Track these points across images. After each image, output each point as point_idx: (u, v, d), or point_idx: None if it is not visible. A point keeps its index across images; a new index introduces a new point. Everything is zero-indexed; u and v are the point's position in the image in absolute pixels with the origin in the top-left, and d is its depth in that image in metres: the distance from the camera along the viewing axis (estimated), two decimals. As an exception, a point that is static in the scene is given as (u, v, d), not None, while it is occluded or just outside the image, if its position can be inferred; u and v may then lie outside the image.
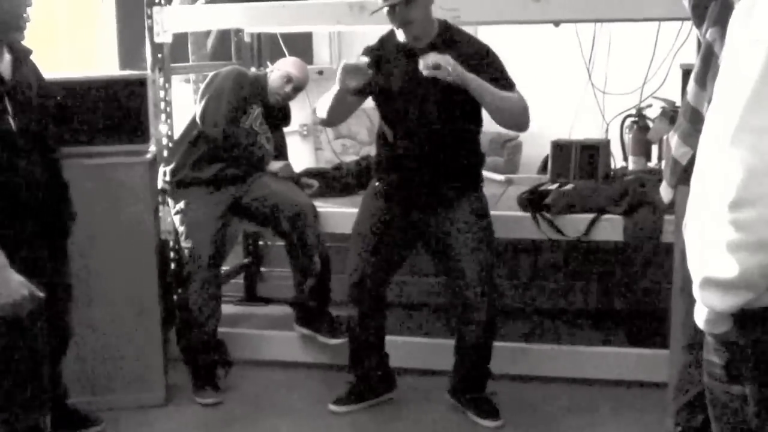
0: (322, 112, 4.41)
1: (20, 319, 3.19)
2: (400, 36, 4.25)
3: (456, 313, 4.54)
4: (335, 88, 4.24)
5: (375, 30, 4.91)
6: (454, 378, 4.61)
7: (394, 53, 4.31)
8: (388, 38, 4.35)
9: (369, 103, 4.51)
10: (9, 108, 3.85)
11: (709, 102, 3.32)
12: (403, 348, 4.94)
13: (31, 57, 4.05)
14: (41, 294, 3.18)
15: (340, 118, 4.62)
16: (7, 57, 3.93)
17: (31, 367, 3.45)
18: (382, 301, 4.62)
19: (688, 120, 3.60)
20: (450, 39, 4.25)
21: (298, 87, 5.16)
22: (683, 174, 3.47)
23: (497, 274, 4.59)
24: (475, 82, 4.10)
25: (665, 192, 3.81)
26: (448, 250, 4.38)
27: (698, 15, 3.68)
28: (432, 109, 4.23)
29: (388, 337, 4.72)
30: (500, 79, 4.21)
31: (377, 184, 4.49)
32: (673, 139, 3.70)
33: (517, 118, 4.27)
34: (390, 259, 4.52)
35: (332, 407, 4.65)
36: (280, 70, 5.15)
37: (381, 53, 4.34)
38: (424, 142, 4.27)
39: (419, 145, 4.28)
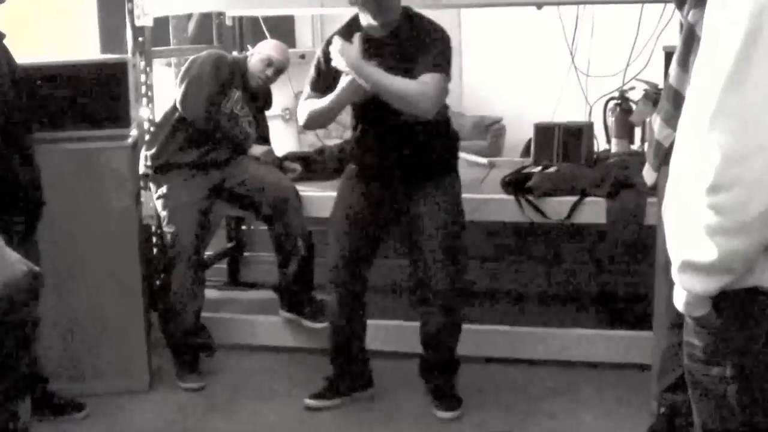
0: (313, 121, 4.42)
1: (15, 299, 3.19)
2: (364, 21, 4.20)
3: (418, 297, 4.49)
4: (330, 98, 4.20)
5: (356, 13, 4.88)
6: (420, 362, 4.58)
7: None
8: (353, 23, 4.29)
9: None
10: None
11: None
12: (382, 331, 4.93)
13: (4, 41, 4.02)
14: (38, 269, 3.16)
15: (328, 123, 4.61)
16: None
17: (11, 353, 3.43)
18: (362, 286, 4.55)
19: (671, 103, 3.61)
20: (410, 26, 4.18)
21: (279, 70, 5.14)
22: (666, 157, 3.47)
23: (467, 258, 4.55)
24: (373, 77, 4.03)
25: (648, 174, 3.82)
26: (414, 231, 4.35)
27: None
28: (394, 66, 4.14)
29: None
30: (428, 58, 4.09)
31: (352, 167, 4.48)
32: (656, 121, 3.71)
33: (412, 106, 4.08)
34: (367, 242, 4.46)
35: (308, 402, 4.59)
36: (260, 54, 5.12)
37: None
38: (392, 126, 4.22)
39: (388, 129, 4.25)
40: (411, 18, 4.21)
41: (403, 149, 4.25)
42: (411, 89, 4.02)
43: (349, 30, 4.22)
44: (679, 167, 1.97)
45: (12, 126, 3.97)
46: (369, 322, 4.63)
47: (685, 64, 3.55)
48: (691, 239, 1.87)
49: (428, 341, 4.47)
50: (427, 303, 4.40)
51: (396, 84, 4.03)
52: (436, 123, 4.27)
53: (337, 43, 4.06)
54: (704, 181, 1.81)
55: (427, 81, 4.03)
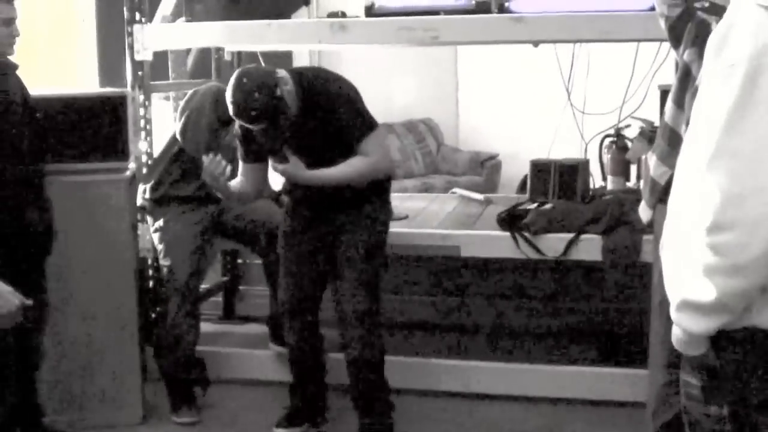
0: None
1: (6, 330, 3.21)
2: None
3: (339, 326, 4.44)
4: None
5: (355, 49, 4.92)
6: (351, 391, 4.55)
7: None
8: None
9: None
10: None
11: (687, 123, 3.36)
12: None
13: (17, 72, 4.10)
14: (29, 301, 3.19)
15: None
16: None
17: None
18: (315, 323, 4.56)
19: (667, 141, 3.63)
20: (311, 105, 4.15)
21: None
22: (662, 194, 3.49)
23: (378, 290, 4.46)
24: (315, 178, 4.18)
25: (644, 212, 3.83)
26: (334, 261, 4.36)
27: (675, 37, 3.72)
28: (313, 150, 4.23)
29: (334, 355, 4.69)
30: (353, 127, 4.15)
31: (286, 200, 4.51)
32: (652, 159, 3.73)
33: (377, 176, 4.25)
34: (310, 274, 4.45)
35: (276, 430, 4.60)
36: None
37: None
38: (316, 164, 4.22)
39: (314, 162, 4.23)
40: (309, 93, 4.17)
41: (332, 198, 4.29)
42: (366, 167, 4.16)
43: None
44: (678, 207, 1.98)
45: (25, 156, 4.02)
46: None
47: (680, 103, 3.57)
48: (690, 279, 1.88)
49: (353, 373, 4.43)
50: (347, 337, 4.37)
51: (352, 172, 4.16)
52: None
53: (276, 167, 4.16)
54: (703, 222, 1.83)
55: (369, 148, 4.15)
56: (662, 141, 3.69)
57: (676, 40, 3.75)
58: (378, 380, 4.44)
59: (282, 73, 4.13)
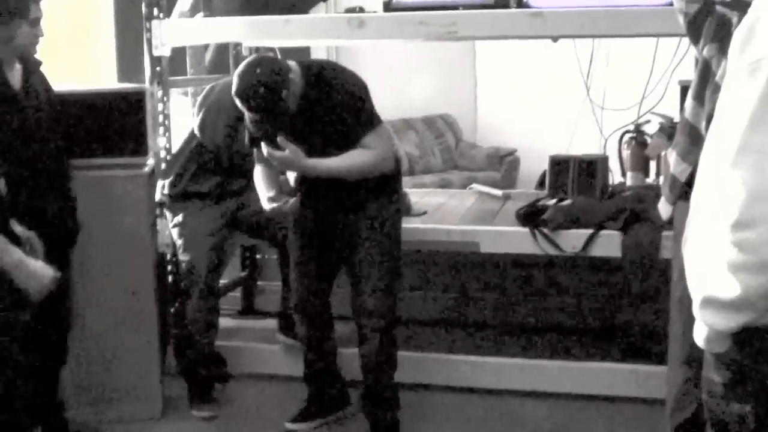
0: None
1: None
2: None
3: (356, 322, 4.46)
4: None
5: (373, 45, 4.91)
6: (362, 387, 4.57)
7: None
8: None
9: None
10: (17, 117, 3.92)
11: (708, 119, 3.35)
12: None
13: (41, 68, 4.13)
14: (56, 273, 3.35)
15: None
16: (18, 67, 4.01)
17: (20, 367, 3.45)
18: (326, 316, 4.61)
19: (687, 137, 3.61)
20: (316, 98, 4.16)
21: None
22: (682, 191, 3.48)
23: (401, 284, 4.52)
24: (314, 168, 4.14)
25: (664, 209, 3.82)
26: (350, 256, 4.37)
27: (694, 32, 3.70)
28: (314, 142, 4.20)
29: (343, 350, 4.73)
30: (356, 122, 4.14)
31: (298, 194, 4.49)
32: (672, 156, 3.71)
33: (377, 172, 4.21)
34: (321, 265, 4.49)
35: (288, 425, 4.63)
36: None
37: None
38: (316, 155, 4.21)
39: (325, 155, 4.23)
40: (314, 86, 4.17)
41: (340, 191, 4.29)
42: (366, 161, 4.14)
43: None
44: (701, 203, 1.97)
45: (51, 152, 4.05)
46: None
47: (700, 99, 3.55)
48: (714, 275, 1.87)
49: (367, 366, 4.46)
50: (365, 330, 4.40)
51: (352, 164, 4.13)
52: None
53: (272, 155, 4.10)
54: (728, 218, 1.82)
55: (371, 142, 4.14)
56: (682, 137, 3.67)
57: (695, 36, 3.73)
58: (391, 376, 4.48)
59: (294, 69, 4.14)
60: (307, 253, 4.47)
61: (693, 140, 3.55)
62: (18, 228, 3.44)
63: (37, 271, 3.27)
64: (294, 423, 4.65)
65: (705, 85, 3.57)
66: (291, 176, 4.63)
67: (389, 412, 4.50)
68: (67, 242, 4.27)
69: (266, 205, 4.33)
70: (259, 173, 4.44)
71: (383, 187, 4.37)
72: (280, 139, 4.06)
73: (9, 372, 3.35)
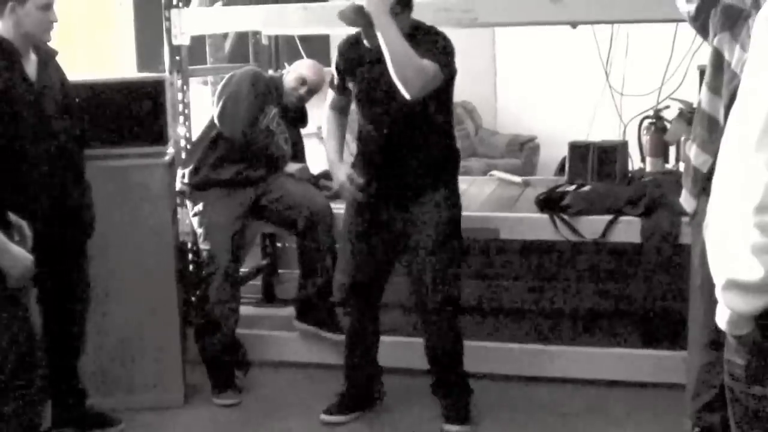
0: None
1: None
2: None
3: (419, 314, 4.49)
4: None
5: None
6: (431, 378, 4.57)
7: (365, 53, 4.27)
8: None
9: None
10: (33, 108, 3.95)
11: (725, 108, 3.34)
12: (397, 348, 4.94)
13: (56, 58, 4.15)
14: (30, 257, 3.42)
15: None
16: (33, 58, 4.03)
17: (25, 340, 3.49)
18: (375, 303, 4.59)
19: (706, 128, 3.61)
20: (414, 36, 4.14)
21: (312, 89, 5.16)
22: (705, 182, 3.46)
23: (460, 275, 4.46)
24: (387, 29, 4.00)
25: (687, 202, 3.81)
26: (409, 248, 4.35)
27: (700, 27, 3.75)
28: (395, 109, 4.20)
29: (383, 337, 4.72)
30: (429, 52, 4.08)
31: (353, 181, 4.45)
32: (692, 148, 3.71)
33: (406, 75, 4.00)
34: (375, 258, 4.46)
35: (323, 417, 4.61)
36: (295, 72, 5.16)
37: (356, 44, 4.33)
38: (391, 137, 4.26)
39: (387, 140, 4.27)
40: (417, 29, 4.21)
41: (399, 161, 4.28)
42: (413, 59, 3.99)
43: (357, 39, 4.30)
44: (724, 186, 1.97)
45: (65, 143, 4.07)
46: (383, 338, 4.68)
47: (716, 89, 3.56)
48: (736, 258, 1.87)
49: (435, 356, 4.46)
50: (429, 321, 4.40)
51: (402, 46, 3.99)
52: (438, 135, 4.34)
53: None
54: (751, 201, 1.82)
55: (426, 63, 4.03)
56: (701, 128, 3.66)
57: (702, 29, 3.75)
58: (459, 362, 4.48)
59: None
60: (357, 246, 4.45)
61: (712, 130, 3.54)
62: (12, 216, 3.46)
63: (17, 256, 3.33)
64: (330, 415, 4.61)
65: (719, 74, 3.57)
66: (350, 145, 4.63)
67: (461, 399, 4.51)
68: (84, 231, 4.29)
69: (341, 178, 4.37)
70: (330, 124, 4.53)
71: (445, 174, 4.39)
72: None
73: (25, 339, 3.43)
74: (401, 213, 4.33)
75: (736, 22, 3.58)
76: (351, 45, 4.37)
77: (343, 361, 4.68)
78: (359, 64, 4.31)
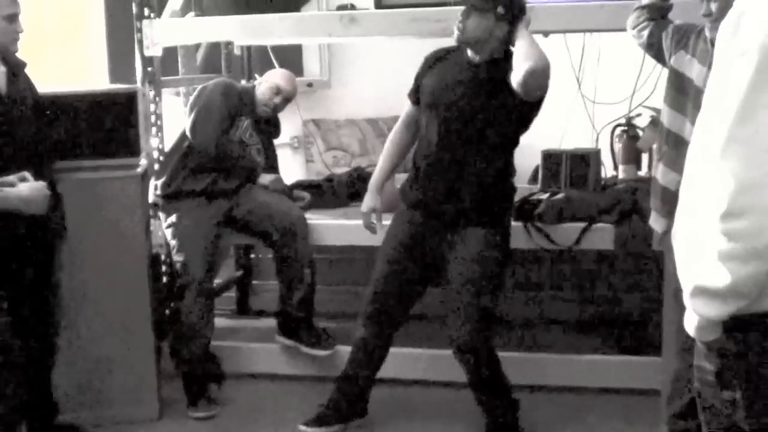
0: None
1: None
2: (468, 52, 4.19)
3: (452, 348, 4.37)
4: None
5: (365, 42, 4.87)
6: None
7: (457, 59, 4.24)
8: (458, 48, 4.25)
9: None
10: (3, 119, 3.91)
11: (691, 123, 3.39)
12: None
13: (25, 70, 4.12)
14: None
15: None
16: (2, 69, 4.00)
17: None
18: (395, 320, 4.46)
19: (672, 146, 3.65)
20: (506, 59, 4.08)
21: (286, 98, 5.15)
22: (675, 201, 3.48)
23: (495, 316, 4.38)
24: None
25: (656, 223, 3.85)
26: (444, 280, 4.28)
27: (654, 54, 3.84)
28: (469, 122, 4.12)
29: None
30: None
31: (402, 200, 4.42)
32: (658, 168, 3.74)
33: (545, 69, 3.97)
34: (407, 277, 4.37)
35: (302, 428, 4.52)
36: (268, 82, 5.14)
37: (444, 56, 4.32)
38: (453, 155, 4.16)
39: (448, 157, 4.18)
40: (509, 55, 4.10)
41: (457, 187, 4.18)
42: (544, 55, 3.97)
43: (447, 51, 4.30)
44: (689, 195, 1.99)
45: (36, 155, 4.05)
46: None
47: (679, 108, 3.61)
48: (704, 265, 1.88)
49: (477, 393, 4.40)
50: (460, 359, 4.31)
51: (542, 52, 3.98)
52: (500, 166, 4.23)
53: None
54: (717, 208, 1.83)
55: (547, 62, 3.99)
56: (666, 147, 3.71)
57: (656, 57, 3.85)
58: (498, 393, 4.41)
59: None
60: (400, 253, 4.36)
61: (678, 148, 3.58)
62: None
63: (26, 196, 3.70)
64: (309, 427, 4.53)
65: (679, 94, 3.62)
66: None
67: (503, 417, 4.44)
68: (55, 233, 4.26)
69: (368, 205, 4.42)
70: (388, 141, 4.57)
71: (496, 212, 4.29)
72: None
73: None
74: (447, 234, 4.24)
75: (688, 39, 3.65)
76: (438, 59, 4.33)
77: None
78: (440, 74, 4.27)
